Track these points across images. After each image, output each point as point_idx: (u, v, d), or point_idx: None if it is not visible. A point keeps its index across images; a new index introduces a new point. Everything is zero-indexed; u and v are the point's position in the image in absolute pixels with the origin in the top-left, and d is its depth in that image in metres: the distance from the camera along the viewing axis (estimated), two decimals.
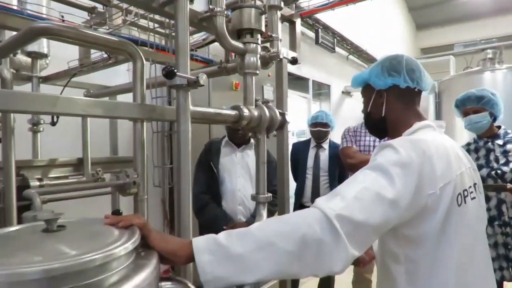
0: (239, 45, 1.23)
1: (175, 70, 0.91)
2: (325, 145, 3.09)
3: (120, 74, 2.82)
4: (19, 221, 1.54)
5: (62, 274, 0.56)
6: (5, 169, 1.46)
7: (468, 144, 2.31)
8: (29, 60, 2.12)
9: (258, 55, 1.29)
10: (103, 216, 0.77)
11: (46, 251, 0.62)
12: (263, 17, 1.30)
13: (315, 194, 2.94)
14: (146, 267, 0.68)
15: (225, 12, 1.16)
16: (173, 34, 1.07)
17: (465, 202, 0.94)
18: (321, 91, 7.36)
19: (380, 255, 1.04)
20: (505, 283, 2.12)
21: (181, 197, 1.01)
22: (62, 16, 1.58)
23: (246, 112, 1.23)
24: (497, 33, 9.23)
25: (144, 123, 1.16)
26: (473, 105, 2.13)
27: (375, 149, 0.99)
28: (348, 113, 7.40)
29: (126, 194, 1.15)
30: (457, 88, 6.95)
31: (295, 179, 3.11)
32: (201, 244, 0.75)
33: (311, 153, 3.09)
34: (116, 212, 1.19)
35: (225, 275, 0.72)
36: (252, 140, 2.52)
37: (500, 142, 2.12)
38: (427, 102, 7.41)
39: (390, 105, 1.08)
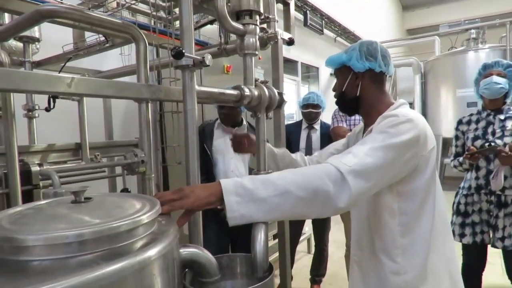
0: (239, 26, 1.26)
1: (184, 51, 0.95)
2: (317, 126, 3.16)
3: (110, 58, 2.81)
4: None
5: (94, 238, 0.62)
6: (8, 154, 1.47)
7: (471, 114, 2.41)
8: (19, 44, 2.10)
9: (257, 36, 1.32)
10: (154, 195, 0.87)
11: (77, 218, 0.67)
12: None
13: None
14: (169, 234, 0.73)
15: None
16: (169, 17, 1.09)
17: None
18: (309, 73, 7.40)
19: (375, 213, 1.15)
20: (488, 246, 2.29)
21: (190, 174, 1.07)
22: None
23: (247, 91, 1.27)
24: (480, 13, 9.36)
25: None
26: (501, 69, 2.21)
27: (378, 119, 1.10)
28: None
29: (134, 173, 1.19)
30: (442, 68, 7.10)
31: None
32: (230, 186, 0.87)
33: (303, 134, 3.16)
34: (125, 190, 1.23)
35: (248, 214, 0.87)
36: (244, 122, 2.57)
37: (502, 117, 2.22)
38: (413, 82, 7.56)
39: (365, 86, 1.22)
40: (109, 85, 0.95)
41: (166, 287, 0.69)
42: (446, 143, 6.93)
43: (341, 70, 1.27)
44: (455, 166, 2.43)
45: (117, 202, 0.76)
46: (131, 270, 0.60)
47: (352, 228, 1.33)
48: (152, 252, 0.65)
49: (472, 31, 6.84)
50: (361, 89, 1.22)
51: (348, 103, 1.27)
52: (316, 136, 3.12)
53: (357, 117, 2.80)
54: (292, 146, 3.15)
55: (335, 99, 1.34)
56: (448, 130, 6.88)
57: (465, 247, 2.35)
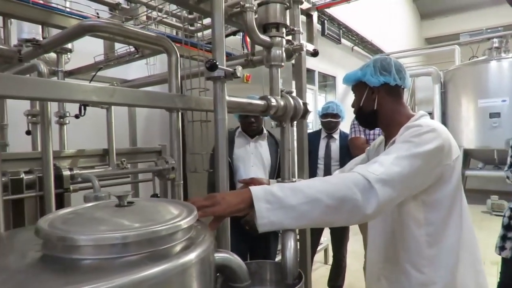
0: (267, 38, 1.30)
1: (218, 63, 0.99)
2: (336, 135, 3.16)
3: (133, 67, 2.91)
4: (57, 208, 1.65)
5: (139, 240, 0.65)
6: (44, 159, 1.55)
7: None
8: (52, 55, 2.20)
9: (283, 48, 1.36)
10: (189, 200, 0.90)
11: (122, 221, 0.71)
12: (287, 11, 1.37)
13: None
14: (205, 238, 0.77)
15: (254, 8, 1.24)
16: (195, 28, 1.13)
17: None
18: (326, 82, 7.41)
19: (400, 223, 1.16)
20: None
21: (220, 180, 1.10)
22: (97, 13, 1.65)
23: (273, 101, 1.31)
24: (502, 22, 9.17)
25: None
26: None
27: (401, 130, 1.12)
28: None
29: (164, 179, 1.24)
30: (463, 77, 6.98)
31: None
32: (259, 193, 0.90)
33: (322, 143, 3.17)
34: (155, 196, 1.28)
35: (278, 220, 0.89)
36: (264, 131, 2.61)
37: None
38: (432, 92, 7.45)
39: (381, 100, 1.25)
40: (146, 95, 1.01)
41: None
42: (467, 154, 6.77)
43: (358, 86, 1.31)
44: (507, 177, 2.40)
45: (156, 206, 0.80)
46: (174, 271, 0.63)
47: (373, 239, 1.32)
48: (192, 255, 0.68)
49: (495, 40, 6.71)
50: (378, 103, 1.25)
51: (366, 117, 1.31)
52: (335, 145, 3.12)
53: (378, 129, 2.78)
54: (311, 155, 3.16)
55: (354, 115, 1.38)
56: (469, 140, 6.72)
57: (504, 262, 2.29)
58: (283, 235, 0.95)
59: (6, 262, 0.67)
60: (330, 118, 3.09)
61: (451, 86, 7.24)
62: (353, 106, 1.37)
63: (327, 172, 3.06)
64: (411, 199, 1.10)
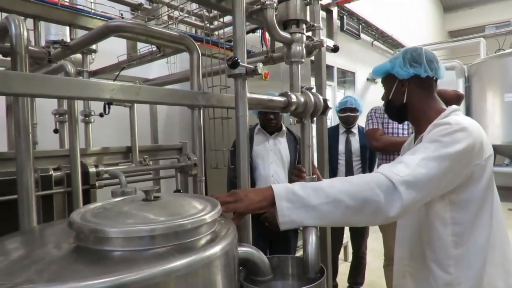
0: (287, 35, 1.30)
1: (239, 60, 1.00)
2: (355, 130, 3.13)
3: (153, 66, 2.97)
4: (84, 203, 1.71)
5: (167, 233, 0.68)
6: (72, 156, 1.61)
7: None
8: (77, 56, 2.28)
9: (303, 44, 1.36)
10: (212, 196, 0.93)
11: (150, 215, 0.73)
12: (307, 7, 1.36)
13: None
14: (229, 232, 0.78)
15: (274, 5, 1.24)
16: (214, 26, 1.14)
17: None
18: (345, 78, 7.31)
19: (426, 222, 1.13)
20: None
21: (241, 177, 1.12)
22: (122, 14, 1.70)
23: (293, 98, 1.31)
24: None
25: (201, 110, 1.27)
26: None
27: (428, 127, 1.09)
28: (373, 100, 7.32)
29: (187, 175, 1.27)
30: (489, 71, 6.73)
31: None
32: (281, 192, 0.91)
33: (342, 138, 3.14)
34: (178, 192, 1.31)
35: (299, 219, 0.90)
36: (284, 128, 2.61)
37: None
38: (456, 86, 7.22)
39: (411, 93, 1.21)
40: (169, 93, 1.03)
41: (228, 282, 0.74)
42: (493, 150, 6.53)
43: (387, 79, 1.28)
44: None
45: (181, 201, 0.83)
46: (201, 263, 0.65)
47: (399, 236, 1.31)
48: (217, 248, 0.70)
49: None
50: (408, 96, 1.22)
51: (396, 110, 1.28)
52: (355, 140, 3.09)
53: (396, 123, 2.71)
54: (331, 150, 3.14)
55: (384, 108, 1.35)
56: (495, 136, 6.48)
57: None
58: (304, 230, 0.95)
59: (41, 253, 0.70)
60: (348, 113, 3.06)
61: (476, 80, 7.00)
62: (383, 99, 1.34)
63: (349, 167, 3.02)
64: (438, 198, 1.07)
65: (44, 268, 0.62)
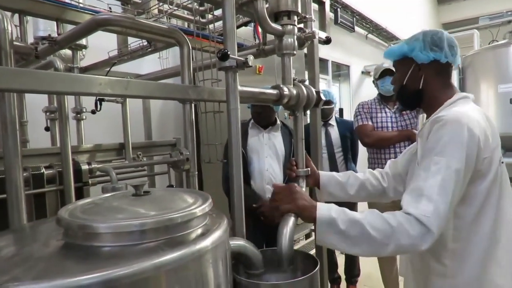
0: (278, 27, 1.29)
1: (229, 53, 0.99)
2: (333, 122, 3.12)
3: (145, 62, 2.94)
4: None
5: (157, 227, 0.67)
6: (63, 154, 1.59)
7: None
8: (67, 52, 2.25)
9: (295, 36, 1.35)
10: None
11: (140, 210, 0.73)
12: None
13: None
14: (220, 226, 0.78)
15: None
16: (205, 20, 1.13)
17: (502, 163, 1.06)
18: (340, 72, 7.30)
19: None
20: None
21: (234, 171, 1.11)
22: (110, 8, 1.68)
23: (286, 91, 1.30)
24: None
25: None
26: None
27: (428, 124, 1.05)
28: (368, 93, 7.33)
29: (180, 171, 1.25)
30: (483, 62, 6.75)
31: None
32: (324, 217, 0.97)
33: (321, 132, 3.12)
34: (170, 187, 1.30)
35: (334, 244, 0.97)
36: (278, 122, 2.59)
37: None
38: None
39: (428, 79, 1.13)
40: (159, 87, 1.02)
41: (220, 275, 0.73)
42: None
43: (402, 62, 1.17)
44: None
45: (172, 195, 0.82)
46: (191, 257, 0.65)
47: None
48: (208, 242, 0.69)
49: None
50: (424, 82, 1.13)
51: (409, 96, 1.19)
52: (334, 132, 3.07)
53: (385, 114, 2.69)
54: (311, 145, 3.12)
55: (395, 93, 1.27)
56: None
57: None
58: (281, 222, 0.99)
59: (30, 250, 0.69)
60: (323, 106, 3.04)
61: (470, 72, 7.02)
62: (393, 83, 1.25)
63: (332, 159, 3.00)
64: None
65: (32, 265, 0.61)
